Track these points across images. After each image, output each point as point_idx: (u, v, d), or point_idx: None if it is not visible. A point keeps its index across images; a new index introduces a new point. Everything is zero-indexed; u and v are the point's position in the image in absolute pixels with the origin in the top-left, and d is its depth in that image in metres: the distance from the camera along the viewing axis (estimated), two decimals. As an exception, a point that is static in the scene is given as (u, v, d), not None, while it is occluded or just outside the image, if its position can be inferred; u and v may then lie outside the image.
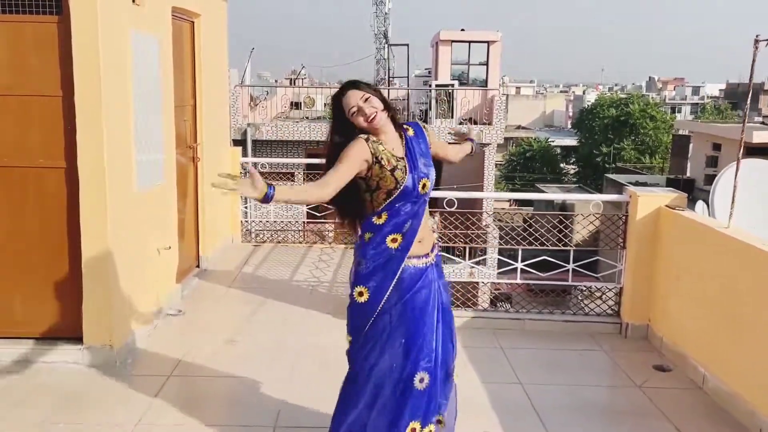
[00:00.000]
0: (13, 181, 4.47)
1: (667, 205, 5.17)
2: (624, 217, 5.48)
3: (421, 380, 3.05)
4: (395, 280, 3.03)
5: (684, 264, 4.91)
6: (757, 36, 4.19)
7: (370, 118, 3.00)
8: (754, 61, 4.21)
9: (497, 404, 4.21)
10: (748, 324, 4.11)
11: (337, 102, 3.08)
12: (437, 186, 3.90)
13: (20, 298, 4.59)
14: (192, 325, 5.43)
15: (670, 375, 4.74)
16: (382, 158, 3.00)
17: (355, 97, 3.01)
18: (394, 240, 3.06)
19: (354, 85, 3.06)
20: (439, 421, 3.15)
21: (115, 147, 4.52)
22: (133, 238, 4.84)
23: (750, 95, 4.48)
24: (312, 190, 2.93)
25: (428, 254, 3.13)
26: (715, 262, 4.54)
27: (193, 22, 6.54)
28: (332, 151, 3.05)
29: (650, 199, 5.24)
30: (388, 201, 3.05)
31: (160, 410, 3.99)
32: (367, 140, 3.01)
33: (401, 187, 3.02)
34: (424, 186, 3.08)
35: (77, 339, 4.58)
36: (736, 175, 4.48)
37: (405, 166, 3.04)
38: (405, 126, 3.19)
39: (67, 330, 4.61)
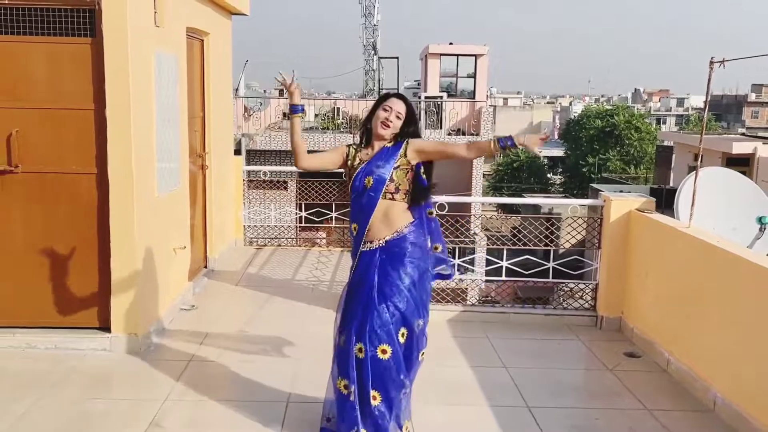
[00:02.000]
0: (49, 185, 4.96)
1: (637, 209, 5.72)
2: (599, 220, 6.03)
3: (360, 350, 3.68)
4: (356, 261, 3.80)
5: (652, 261, 5.46)
6: (711, 58, 4.76)
7: (384, 124, 3.75)
8: (709, 80, 4.77)
9: (484, 384, 4.74)
10: (705, 313, 4.66)
11: (382, 98, 3.86)
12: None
13: (55, 292, 5.06)
14: (205, 318, 5.93)
15: (639, 360, 5.28)
16: (350, 159, 3.85)
17: (396, 106, 3.77)
18: (354, 228, 3.83)
19: (403, 99, 3.83)
20: (346, 386, 3.71)
21: (140, 155, 5.02)
22: (155, 238, 5.33)
23: (706, 112, 5.03)
24: (303, 155, 3.80)
25: (374, 240, 3.74)
26: (677, 259, 5.09)
27: (202, 40, 7.06)
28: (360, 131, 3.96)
29: (622, 203, 5.80)
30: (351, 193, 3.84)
31: (184, 388, 4.49)
32: (349, 146, 3.89)
33: (351, 182, 3.81)
34: (368, 182, 3.75)
35: (106, 328, 5.07)
36: (695, 181, 5.03)
37: (360, 166, 3.79)
38: (392, 142, 3.84)
39: (96, 320, 5.10)
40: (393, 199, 3.73)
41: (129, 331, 5.04)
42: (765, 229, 5.68)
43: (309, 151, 3.84)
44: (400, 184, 3.73)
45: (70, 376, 4.65)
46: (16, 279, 5.04)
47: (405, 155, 3.75)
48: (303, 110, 3.81)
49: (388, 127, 3.73)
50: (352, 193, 3.81)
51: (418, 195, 3.80)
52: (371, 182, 3.73)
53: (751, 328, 4.14)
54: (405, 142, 3.78)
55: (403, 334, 3.69)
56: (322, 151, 4.02)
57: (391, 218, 3.73)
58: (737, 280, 4.32)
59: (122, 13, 4.74)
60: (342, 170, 3.93)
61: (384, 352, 3.63)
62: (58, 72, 4.86)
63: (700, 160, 5.06)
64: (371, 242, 3.74)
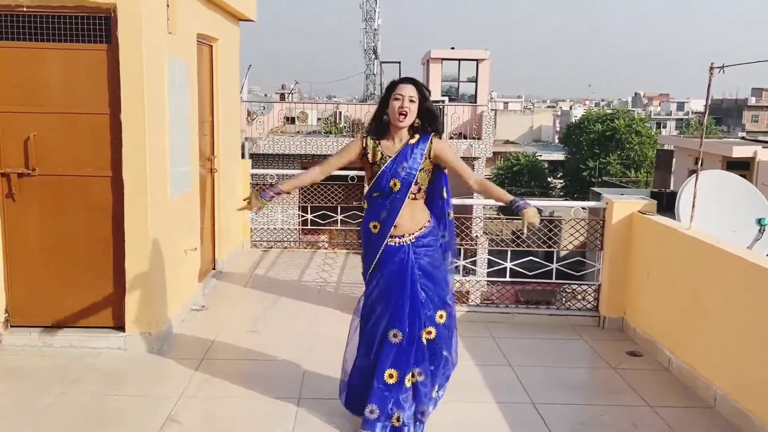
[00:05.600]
0: (65, 187, 5.08)
1: (639, 211, 5.85)
2: (601, 222, 6.15)
3: (395, 336, 3.84)
4: (378, 256, 3.87)
5: (653, 262, 5.58)
6: (711, 64, 4.88)
7: (401, 113, 3.75)
8: (709, 86, 4.90)
9: (490, 382, 4.86)
10: (705, 312, 4.78)
11: (390, 86, 3.84)
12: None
13: (70, 292, 5.18)
14: (215, 318, 6.05)
15: (641, 359, 5.40)
16: (369, 153, 3.86)
17: (406, 91, 3.77)
18: (374, 226, 3.89)
19: (414, 82, 3.82)
20: (412, 375, 3.91)
21: (154, 159, 5.14)
22: (168, 239, 5.45)
23: (706, 116, 5.16)
24: (316, 173, 4.00)
25: (403, 236, 3.87)
26: (678, 259, 5.21)
27: (211, 46, 7.19)
28: (369, 124, 3.99)
29: (624, 205, 5.92)
30: (368, 189, 3.92)
31: (198, 386, 4.61)
32: (364, 138, 3.90)
33: (374, 178, 3.85)
34: (395, 184, 3.82)
35: (120, 328, 5.19)
36: (695, 184, 5.15)
37: (384, 164, 3.82)
38: (415, 135, 3.88)
39: (111, 320, 5.22)
40: (415, 198, 3.87)
41: (142, 330, 5.16)
42: (764, 230, 5.80)
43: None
44: (422, 186, 3.88)
45: (87, 373, 4.77)
46: (33, 279, 5.16)
47: (429, 157, 3.85)
48: (271, 196, 3.89)
49: (406, 115, 3.75)
50: (375, 191, 3.87)
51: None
52: (398, 185, 3.81)
53: (750, 326, 4.25)
54: (429, 142, 3.84)
55: (441, 316, 3.96)
56: (334, 155, 4.07)
57: (416, 216, 3.89)
58: (737, 280, 4.44)
59: (137, 20, 4.87)
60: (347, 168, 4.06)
61: (429, 333, 3.90)
62: (75, 77, 4.99)
63: (700, 163, 5.18)
64: (400, 237, 3.86)
